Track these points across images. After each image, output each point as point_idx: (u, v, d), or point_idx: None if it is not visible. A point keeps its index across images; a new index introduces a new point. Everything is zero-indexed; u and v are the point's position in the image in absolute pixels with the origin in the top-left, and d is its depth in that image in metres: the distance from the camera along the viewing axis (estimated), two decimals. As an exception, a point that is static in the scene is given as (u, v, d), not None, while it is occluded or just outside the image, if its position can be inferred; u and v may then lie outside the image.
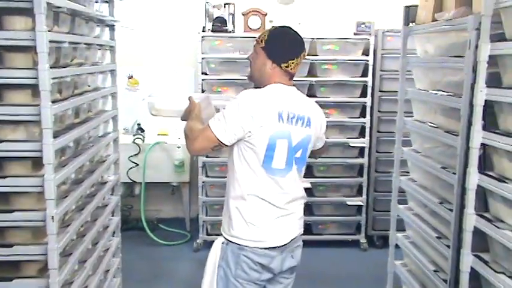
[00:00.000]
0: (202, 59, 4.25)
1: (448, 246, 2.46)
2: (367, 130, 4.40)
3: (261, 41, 2.13)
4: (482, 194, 2.23)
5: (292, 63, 2.12)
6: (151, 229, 4.60)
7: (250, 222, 2.09)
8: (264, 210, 2.10)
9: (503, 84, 2.10)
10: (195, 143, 2.08)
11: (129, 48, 4.61)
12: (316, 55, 4.32)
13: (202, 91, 4.28)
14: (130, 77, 4.88)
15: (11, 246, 2.06)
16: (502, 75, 2.11)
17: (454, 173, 2.42)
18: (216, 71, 4.29)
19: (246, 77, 2.35)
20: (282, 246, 2.15)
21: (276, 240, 2.13)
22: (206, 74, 4.31)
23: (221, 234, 2.17)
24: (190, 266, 4.13)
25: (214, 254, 2.14)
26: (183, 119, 2.26)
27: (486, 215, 2.20)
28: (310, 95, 4.33)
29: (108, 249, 2.97)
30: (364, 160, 4.45)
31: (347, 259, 4.38)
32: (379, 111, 4.43)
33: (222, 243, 2.14)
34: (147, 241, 4.52)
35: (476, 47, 2.17)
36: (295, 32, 2.18)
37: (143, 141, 4.59)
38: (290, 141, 2.08)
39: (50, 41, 1.95)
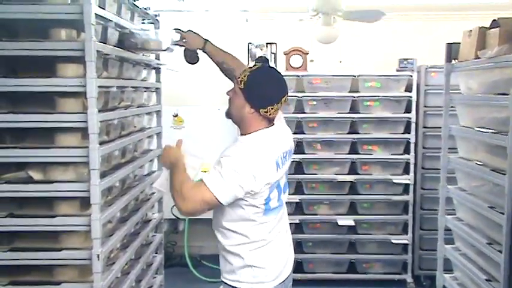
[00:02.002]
0: (245, 97, 4.33)
1: (499, 290, 2.36)
2: (412, 167, 4.32)
3: (240, 82, 2.01)
4: (533, 236, 2.14)
5: (272, 108, 2.00)
6: (195, 265, 4.62)
7: (254, 265, 2.04)
8: (267, 251, 2.07)
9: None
10: (188, 203, 1.92)
11: (175, 88, 4.76)
12: (358, 92, 4.32)
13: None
14: (176, 116, 5.02)
15: (58, 284, 2.12)
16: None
17: (503, 213, 2.34)
18: (258, 109, 4.35)
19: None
20: (286, 279, 2.15)
21: (283, 273, 2.13)
22: (248, 112, 4.38)
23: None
24: (232, 304, 4.09)
25: None
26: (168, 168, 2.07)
27: (538, 258, 2.12)
28: (353, 131, 4.33)
29: (151, 286, 3.01)
30: (409, 197, 4.35)
31: (393, 300, 4.25)
32: (423, 148, 4.35)
33: None
34: (190, 277, 4.53)
35: (521, 84, 2.13)
36: (278, 73, 2.10)
37: (187, 178, 4.67)
38: (280, 182, 2.08)
39: (99, 86, 2.06)
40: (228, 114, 2.15)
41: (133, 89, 2.71)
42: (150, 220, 3.08)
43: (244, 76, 2.02)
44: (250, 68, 2.08)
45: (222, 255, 2.13)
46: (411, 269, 4.41)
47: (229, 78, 2.42)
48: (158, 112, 3.19)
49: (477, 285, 2.66)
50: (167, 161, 2.04)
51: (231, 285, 2.09)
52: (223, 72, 2.46)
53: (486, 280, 2.53)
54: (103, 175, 2.15)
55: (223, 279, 2.13)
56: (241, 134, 2.11)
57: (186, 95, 5.04)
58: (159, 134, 3.20)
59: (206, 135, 5.00)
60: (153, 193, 3.18)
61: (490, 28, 2.58)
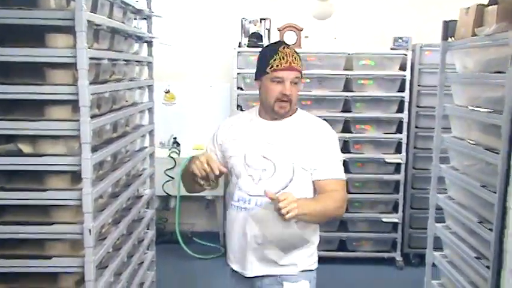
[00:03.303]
0: (238, 74, 4.29)
1: (488, 267, 2.38)
2: (404, 146, 4.33)
3: (301, 71, 2.05)
4: (525, 214, 2.15)
5: None
6: (186, 242, 4.63)
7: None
8: None
9: (547, 100, 2.03)
10: (344, 205, 2.04)
11: (167, 63, 4.70)
12: (352, 70, 4.29)
13: (238, 106, 4.32)
14: (167, 92, 4.97)
15: (49, 258, 2.10)
16: (545, 91, 2.05)
17: (495, 192, 2.34)
18: (252, 86, 4.31)
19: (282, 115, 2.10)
20: None
21: None
22: (242, 89, 4.35)
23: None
24: (223, 280, 4.11)
25: None
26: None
27: (529, 236, 2.13)
28: (346, 110, 4.31)
29: (143, 262, 3.01)
30: (400, 176, 4.37)
31: (382, 277, 4.29)
32: (416, 127, 4.35)
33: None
34: (181, 254, 4.55)
35: (518, 62, 2.11)
36: None
37: (179, 155, 4.65)
38: None
39: (90, 58, 2.01)
40: (290, 111, 2.09)
41: (125, 62, 2.65)
42: (142, 196, 3.06)
43: (301, 63, 2.05)
44: (290, 52, 2.02)
45: (301, 247, 2.03)
46: (400, 247, 4.46)
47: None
48: (150, 87, 3.14)
49: (466, 262, 2.68)
50: (300, 210, 1.83)
51: (311, 269, 2.13)
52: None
53: (476, 258, 2.55)
54: (94, 149, 2.11)
55: (298, 272, 2.07)
56: (289, 115, 2.10)
57: (178, 70, 4.99)
58: (150, 109, 3.15)
59: (198, 112, 4.97)
60: (144, 169, 3.15)
61: (488, 5, 2.55)
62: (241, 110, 4.30)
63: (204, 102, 4.97)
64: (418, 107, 4.33)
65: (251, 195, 2.05)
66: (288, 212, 1.77)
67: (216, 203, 4.82)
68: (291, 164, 2.02)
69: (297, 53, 2.06)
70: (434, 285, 3.10)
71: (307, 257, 2.10)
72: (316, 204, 1.97)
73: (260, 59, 2.10)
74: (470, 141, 2.72)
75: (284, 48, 2.02)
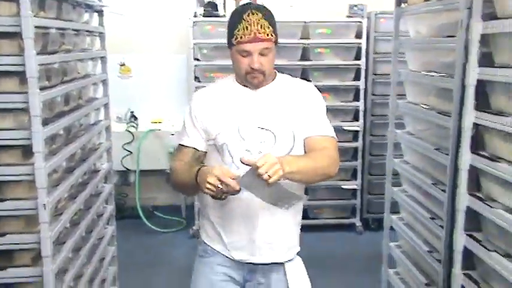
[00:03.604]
0: (194, 44, 4.22)
1: (442, 227, 2.46)
2: (361, 114, 4.39)
3: (274, 35, 1.83)
4: (475, 174, 2.22)
5: None
6: (147, 217, 4.60)
7: None
8: None
9: (495, 63, 2.08)
10: (337, 164, 1.87)
11: (121, 35, 4.57)
12: (309, 39, 4.29)
13: (195, 77, 4.26)
14: (122, 65, 4.85)
15: (3, 235, 2.04)
16: (494, 54, 2.09)
17: (447, 154, 2.41)
18: (209, 57, 4.26)
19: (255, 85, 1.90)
20: None
21: None
22: (198, 60, 4.28)
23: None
24: (186, 253, 4.12)
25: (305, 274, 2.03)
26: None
27: (479, 194, 2.20)
28: (304, 79, 4.29)
29: (102, 237, 2.97)
30: (358, 144, 4.44)
31: (343, 242, 4.40)
32: (373, 94, 4.42)
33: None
34: (143, 229, 4.53)
35: (468, 26, 2.15)
36: None
37: (136, 129, 4.58)
38: None
39: (36, 27, 1.92)
40: (263, 81, 1.89)
41: (75, 32, 2.56)
42: (99, 170, 3.00)
43: (274, 32, 1.83)
44: (264, 20, 1.81)
45: (291, 229, 1.98)
46: (360, 213, 4.57)
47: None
48: (103, 58, 3.04)
49: (422, 223, 2.77)
50: (287, 169, 1.66)
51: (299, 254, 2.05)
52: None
53: (430, 218, 2.64)
54: (45, 123, 2.04)
55: (295, 254, 2.01)
56: (269, 82, 1.93)
57: (133, 42, 4.86)
58: (104, 82, 3.06)
59: (155, 84, 4.88)
60: (100, 143, 3.09)
61: (439, -30, 2.57)
62: (199, 81, 4.25)
63: (160, 75, 4.88)
64: (374, 74, 4.39)
65: None
66: (270, 176, 1.60)
67: (176, 176, 4.78)
68: (291, 132, 1.87)
69: (266, 17, 1.80)
70: (392, 247, 3.19)
71: (296, 241, 2.05)
72: (305, 160, 1.80)
73: (228, 26, 1.86)
74: (424, 106, 2.78)
75: (249, 15, 1.78)
